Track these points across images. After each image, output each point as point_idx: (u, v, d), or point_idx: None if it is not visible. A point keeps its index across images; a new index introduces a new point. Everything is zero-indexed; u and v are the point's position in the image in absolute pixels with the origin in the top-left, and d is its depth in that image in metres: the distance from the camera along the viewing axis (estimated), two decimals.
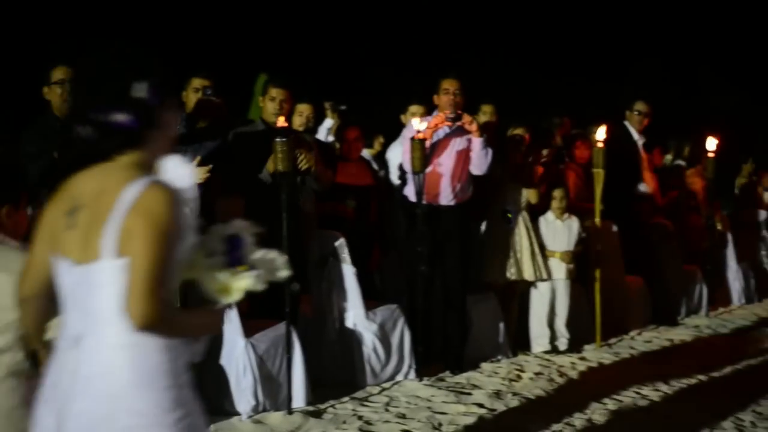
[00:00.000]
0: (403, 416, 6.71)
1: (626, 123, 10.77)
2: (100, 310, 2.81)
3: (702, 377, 7.93)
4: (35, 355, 3.28)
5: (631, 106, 10.82)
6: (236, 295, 2.96)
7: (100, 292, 2.80)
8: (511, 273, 8.78)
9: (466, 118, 7.86)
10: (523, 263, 8.79)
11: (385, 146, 9.36)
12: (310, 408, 6.75)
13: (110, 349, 2.81)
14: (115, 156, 2.87)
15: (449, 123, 7.85)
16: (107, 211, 2.76)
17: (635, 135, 10.75)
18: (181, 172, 2.89)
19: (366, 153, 9.32)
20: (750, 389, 7.61)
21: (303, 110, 8.26)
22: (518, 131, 9.12)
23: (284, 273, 3.07)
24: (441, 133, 7.98)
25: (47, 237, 2.96)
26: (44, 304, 3.04)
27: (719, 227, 11.87)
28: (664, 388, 7.54)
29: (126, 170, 2.84)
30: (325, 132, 9.42)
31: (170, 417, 2.82)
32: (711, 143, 10.65)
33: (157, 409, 2.81)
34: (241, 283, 2.95)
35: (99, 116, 2.85)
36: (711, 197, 11.30)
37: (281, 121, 6.66)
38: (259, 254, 3.01)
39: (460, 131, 7.98)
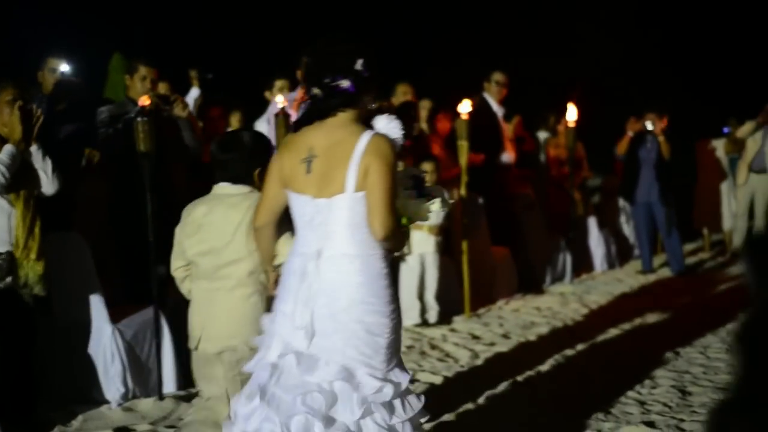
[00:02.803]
0: None
1: (485, 94, 10.85)
2: (337, 230, 3.90)
3: (570, 344, 8.05)
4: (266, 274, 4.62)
5: (489, 77, 10.89)
6: (427, 217, 4.13)
7: (338, 217, 3.89)
8: None
9: None
10: None
11: (248, 122, 9.25)
12: (182, 393, 6.62)
13: (345, 258, 3.90)
14: (336, 113, 3.93)
15: None
16: (345, 156, 3.84)
17: (494, 106, 10.84)
18: (390, 126, 4.00)
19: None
20: (613, 353, 7.80)
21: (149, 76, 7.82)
22: (383, 104, 9.08)
23: (452, 201, 4.24)
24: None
25: (281, 179, 4.02)
26: (272, 232, 4.22)
27: (577, 197, 12.08)
28: (530, 356, 7.65)
29: (349, 126, 3.93)
30: (191, 103, 9.23)
31: (389, 308, 3.95)
32: (571, 114, 10.80)
33: (381, 301, 3.92)
34: (431, 207, 4.11)
35: (329, 81, 3.92)
36: (571, 167, 11.47)
37: (144, 100, 6.48)
38: (434, 189, 4.17)
39: None
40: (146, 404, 6.36)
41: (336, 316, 3.87)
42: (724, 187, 14.31)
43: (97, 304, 6.37)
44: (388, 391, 3.88)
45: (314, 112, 3.97)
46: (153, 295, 6.48)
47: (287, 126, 7.52)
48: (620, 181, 12.91)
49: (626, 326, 8.83)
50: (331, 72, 3.92)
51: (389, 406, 3.89)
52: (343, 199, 3.85)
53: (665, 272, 12.30)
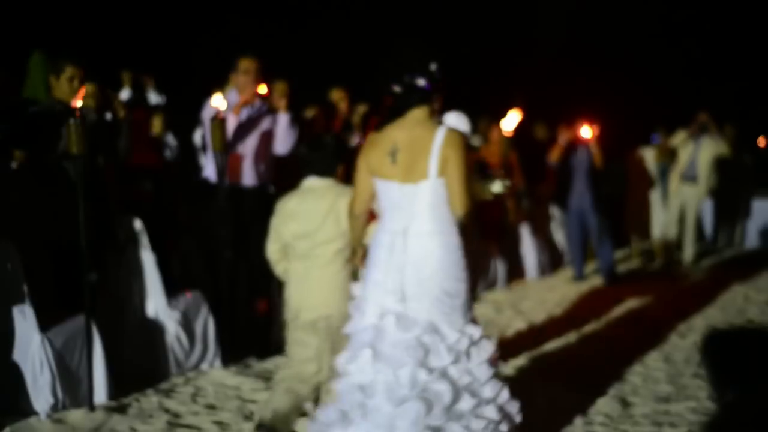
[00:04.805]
0: (212, 407, 6.48)
1: None
2: (420, 210, 4.75)
3: (505, 353, 7.97)
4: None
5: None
6: (491, 196, 5.28)
7: (421, 199, 4.73)
8: None
9: (278, 93, 7.69)
10: None
11: (171, 126, 9.08)
12: (113, 403, 6.43)
13: (427, 235, 4.73)
14: (413, 109, 4.80)
15: (257, 99, 7.65)
16: (426, 148, 4.69)
17: None
18: (459, 122, 5.27)
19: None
20: (550, 362, 7.77)
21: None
22: (312, 111, 9.01)
23: (509, 184, 5.37)
24: (245, 113, 7.72)
25: (369, 171, 4.87)
26: (365, 218, 5.06)
27: (509, 205, 12.06)
28: None
29: (425, 123, 4.78)
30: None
31: (464, 274, 4.74)
32: (507, 123, 10.75)
33: (457, 269, 4.71)
34: (493, 187, 5.24)
35: (409, 79, 4.77)
36: (507, 173, 11.44)
37: (78, 102, 6.27)
38: (493, 172, 5.08)
39: (265, 112, 7.77)
40: (77, 415, 6.16)
41: (422, 283, 4.71)
42: (654, 195, 14.44)
43: (24, 312, 6.13)
44: (465, 341, 4.72)
45: (396, 109, 4.82)
46: (84, 302, 6.28)
47: (223, 130, 7.32)
48: (552, 189, 12.92)
49: (561, 335, 8.80)
50: (410, 71, 4.78)
51: (467, 354, 4.72)
52: (427, 184, 4.72)
53: (596, 280, 12.33)
